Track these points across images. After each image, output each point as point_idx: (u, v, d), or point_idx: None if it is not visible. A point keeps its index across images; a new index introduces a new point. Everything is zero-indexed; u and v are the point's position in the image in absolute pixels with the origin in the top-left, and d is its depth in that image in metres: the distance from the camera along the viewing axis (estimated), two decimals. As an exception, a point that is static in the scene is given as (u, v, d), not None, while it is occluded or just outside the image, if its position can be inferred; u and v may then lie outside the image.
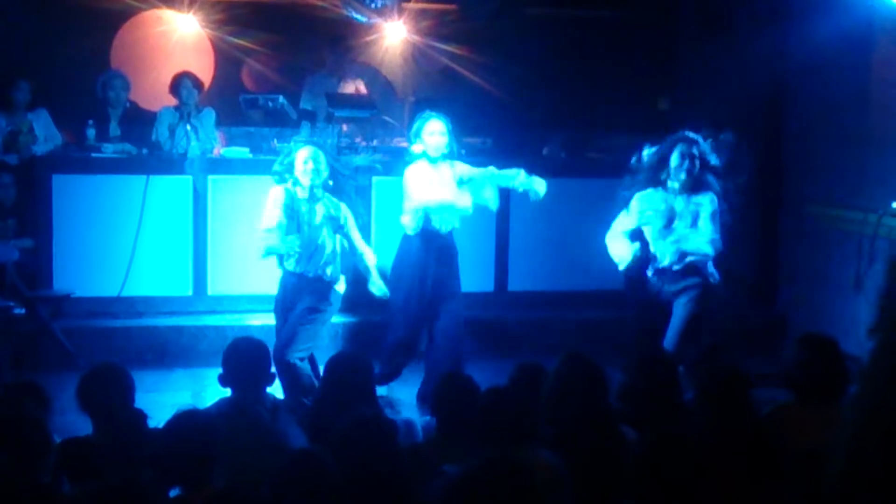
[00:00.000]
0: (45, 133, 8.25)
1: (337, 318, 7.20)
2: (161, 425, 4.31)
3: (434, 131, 6.71)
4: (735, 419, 4.13)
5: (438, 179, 6.70)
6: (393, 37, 9.87)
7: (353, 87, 9.14)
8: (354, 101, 8.76)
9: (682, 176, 6.44)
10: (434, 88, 9.99)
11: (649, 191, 6.54)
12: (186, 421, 3.90)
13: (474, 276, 8.27)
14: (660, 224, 6.51)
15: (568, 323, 8.07)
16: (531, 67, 9.84)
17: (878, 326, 5.10)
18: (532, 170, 6.97)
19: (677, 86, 9.44)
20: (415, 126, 6.82)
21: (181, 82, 8.46)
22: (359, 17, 9.53)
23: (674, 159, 6.47)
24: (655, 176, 6.52)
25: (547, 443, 3.89)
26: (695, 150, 6.47)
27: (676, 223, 6.51)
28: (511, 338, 7.93)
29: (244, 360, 4.67)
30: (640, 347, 5.82)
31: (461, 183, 6.77)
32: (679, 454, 3.41)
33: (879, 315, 4.78)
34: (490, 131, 8.82)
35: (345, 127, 8.51)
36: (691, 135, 6.53)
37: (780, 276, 8.98)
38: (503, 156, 8.51)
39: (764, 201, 9.03)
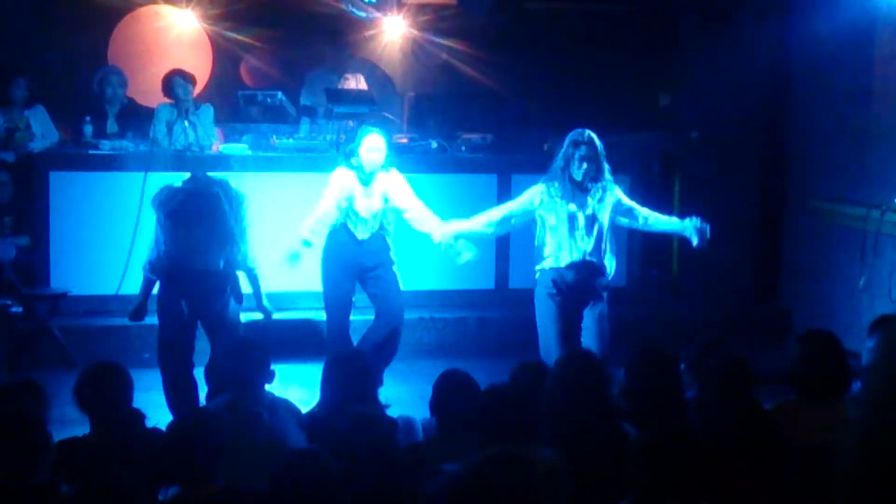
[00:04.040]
0: (42, 130, 8.21)
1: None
2: (159, 425, 4.29)
3: (373, 147, 6.57)
4: (740, 411, 4.10)
5: (363, 190, 6.65)
6: (392, 32, 9.83)
7: (353, 82, 9.09)
8: (354, 97, 8.71)
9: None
10: (433, 84, 9.95)
11: None
12: (190, 419, 3.88)
13: (473, 273, 8.23)
14: None
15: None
16: (531, 62, 9.81)
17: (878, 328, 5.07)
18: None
19: (678, 81, 9.39)
20: (355, 140, 6.67)
21: (173, 81, 8.37)
22: (358, 12, 9.48)
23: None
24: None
25: (548, 441, 3.85)
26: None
27: None
28: (512, 336, 7.87)
29: (242, 358, 4.65)
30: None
31: (386, 199, 6.67)
32: (680, 451, 3.39)
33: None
34: (490, 127, 8.78)
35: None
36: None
37: (784, 270, 8.95)
38: (504, 151, 8.49)
39: (767, 196, 8.99)
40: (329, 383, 4.72)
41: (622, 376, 4.63)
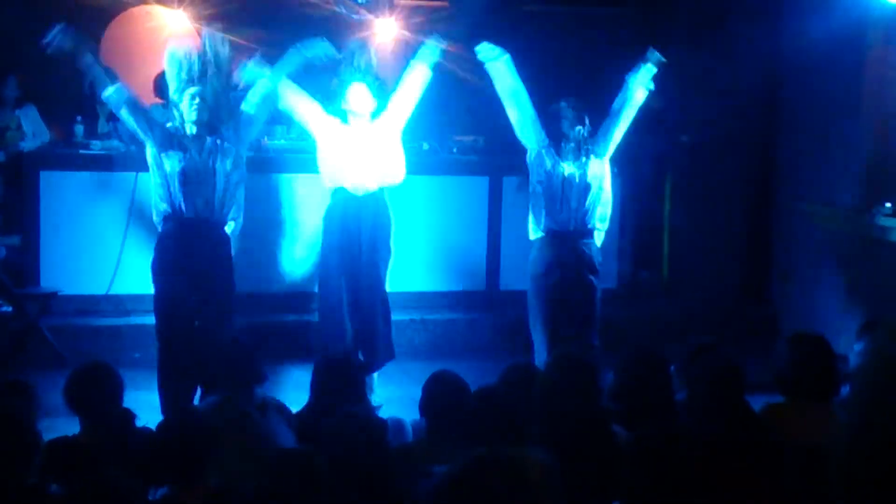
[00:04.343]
0: (32, 129, 8.20)
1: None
2: (149, 425, 4.29)
3: (358, 97, 6.61)
4: (733, 412, 4.11)
5: (356, 140, 6.58)
6: (384, 34, 9.81)
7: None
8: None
9: None
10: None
11: None
12: (181, 419, 3.88)
13: (464, 274, 8.23)
14: None
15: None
16: (523, 64, 9.79)
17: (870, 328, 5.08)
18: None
19: (670, 84, 9.39)
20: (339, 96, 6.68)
21: (165, 81, 8.37)
22: (350, 14, 9.48)
23: None
24: None
25: (539, 442, 3.86)
26: None
27: None
28: (502, 337, 7.89)
29: (233, 359, 4.65)
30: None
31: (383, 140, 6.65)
32: (671, 453, 3.39)
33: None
34: (483, 129, 8.78)
35: None
36: None
37: (773, 273, 8.97)
38: (495, 154, 8.49)
39: (757, 199, 9.01)
40: (318, 384, 4.72)
41: (612, 377, 4.65)
